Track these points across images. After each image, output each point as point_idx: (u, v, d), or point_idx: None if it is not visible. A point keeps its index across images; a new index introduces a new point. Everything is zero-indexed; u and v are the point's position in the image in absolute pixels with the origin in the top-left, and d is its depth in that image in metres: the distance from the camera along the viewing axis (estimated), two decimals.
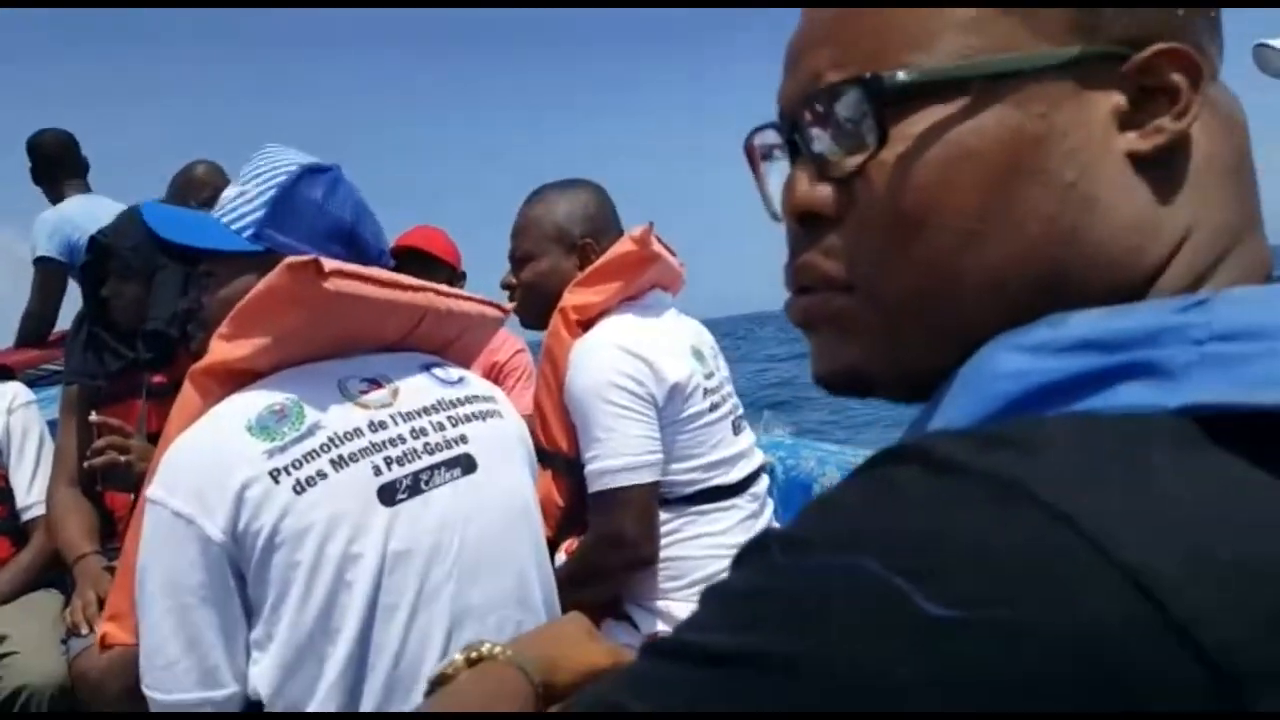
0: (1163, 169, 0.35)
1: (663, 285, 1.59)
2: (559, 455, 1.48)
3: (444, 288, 1.07)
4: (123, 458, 1.44)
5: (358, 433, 0.91)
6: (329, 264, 0.89)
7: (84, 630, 1.53)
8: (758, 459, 1.57)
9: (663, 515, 1.42)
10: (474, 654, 0.58)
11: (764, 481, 1.58)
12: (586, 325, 1.48)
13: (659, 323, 1.50)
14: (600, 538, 1.39)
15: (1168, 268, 0.35)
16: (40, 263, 2.99)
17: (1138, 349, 0.29)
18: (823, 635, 0.26)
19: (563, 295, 1.50)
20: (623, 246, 1.48)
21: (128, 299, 1.74)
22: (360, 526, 0.87)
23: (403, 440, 0.93)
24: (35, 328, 3.06)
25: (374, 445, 0.91)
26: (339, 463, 0.88)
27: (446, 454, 0.96)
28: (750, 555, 0.31)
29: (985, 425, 0.30)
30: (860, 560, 0.26)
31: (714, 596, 0.30)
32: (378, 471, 0.90)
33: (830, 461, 2.10)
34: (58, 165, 3.11)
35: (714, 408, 1.46)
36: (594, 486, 1.38)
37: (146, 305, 1.73)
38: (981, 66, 0.35)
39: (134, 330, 1.75)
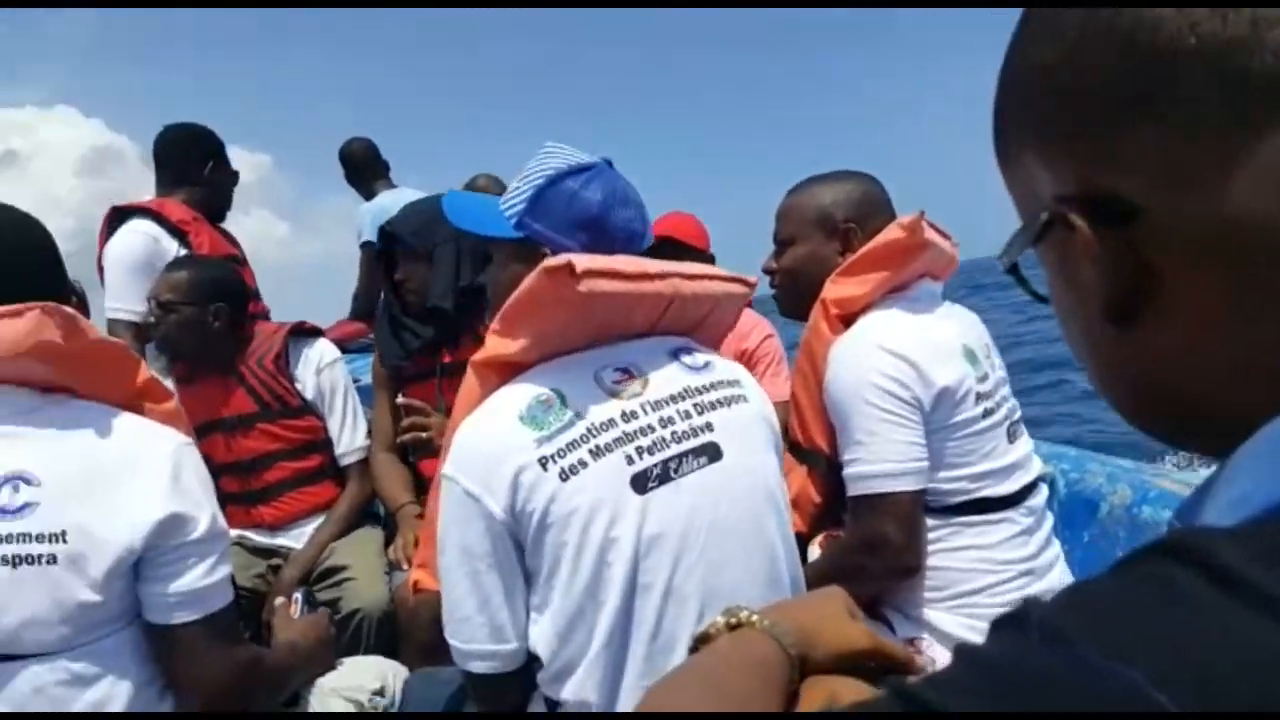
0: None
1: (933, 274, 1.49)
2: (817, 453, 1.44)
3: (691, 267, 1.09)
4: (424, 434, 1.68)
5: (611, 423, 0.97)
6: (580, 264, 0.94)
7: (404, 566, 1.79)
8: (1035, 469, 1.43)
9: (928, 523, 1.34)
10: (734, 619, 0.61)
11: (1042, 494, 1.44)
12: (848, 320, 1.41)
13: (928, 320, 1.39)
14: (862, 541, 1.33)
15: None
16: (364, 247, 3.53)
17: None
18: None
19: (824, 284, 1.44)
20: (890, 234, 1.38)
21: (416, 280, 1.93)
22: (617, 512, 0.93)
23: (652, 430, 0.98)
24: (361, 305, 3.61)
25: (626, 435, 0.96)
26: (597, 452, 0.95)
27: (693, 442, 0.99)
28: (1008, 629, 0.29)
29: None
30: (1127, 672, 0.25)
31: (971, 663, 0.29)
32: (630, 461, 0.95)
33: (1122, 479, 1.83)
34: (365, 168, 3.65)
35: (987, 414, 1.35)
36: (854, 490, 1.33)
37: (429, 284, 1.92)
38: None
39: (425, 310, 1.94)
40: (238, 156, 2.92)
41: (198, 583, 1.02)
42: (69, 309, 1.00)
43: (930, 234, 1.40)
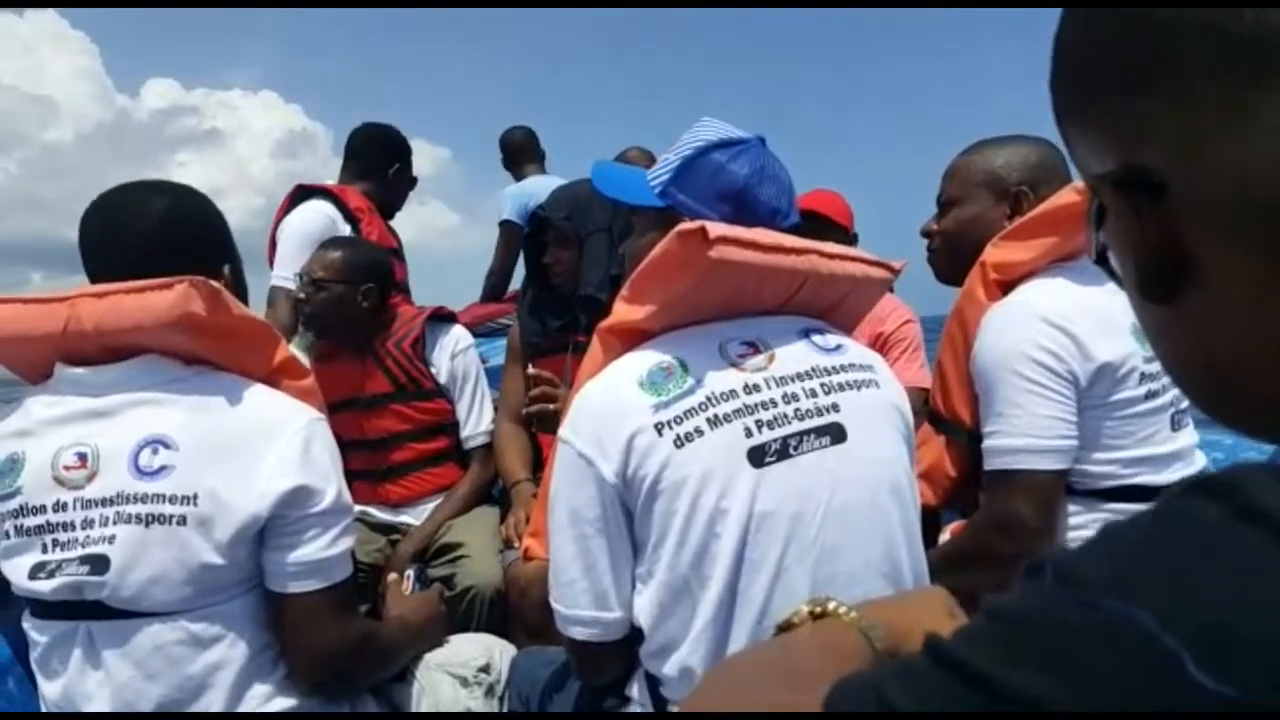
0: None
1: None
2: (957, 424, 1.36)
3: (831, 247, 1.05)
4: (551, 406, 1.66)
5: (733, 394, 0.94)
6: (714, 230, 0.93)
7: (516, 544, 1.79)
8: (1198, 463, 1.31)
9: (1070, 507, 1.25)
10: (818, 608, 0.58)
11: None
12: (1007, 288, 1.32)
13: (1095, 292, 1.26)
14: (992, 520, 1.25)
15: None
16: (503, 225, 3.63)
17: None
18: (1080, 687, 0.25)
19: (984, 247, 1.35)
20: (1064, 197, 1.28)
21: (565, 265, 1.94)
22: (730, 484, 0.91)
23: (774, 404, 0.95)
24: (496, 283, 3.71)
25: (747, 407, 0.94)
26: (714, 421, 0.93)
27: (817, 421, 0.96)
28: (1029, 576, 0.31)
29: None
30: (1133, 612, 0.25)
31: (990, 615, 0.31)
32: (749, 433, 0.93)
33: None
34: (521, 153, 3.76)
35: (1150, 395, 1.24)
36: (990, 464, 1.25)
37: (579, 271, 1.92)
38: None
39: (570, 294, 1.94)
40: (421, 149, 3.06)
41: (319, 554, 1.04)
42: (215, 284, 1.04)
43: None
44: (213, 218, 1.18)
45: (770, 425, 0.94)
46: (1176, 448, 1.28)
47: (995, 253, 1.33)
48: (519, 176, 3.75)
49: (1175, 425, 1.28)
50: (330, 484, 1.06)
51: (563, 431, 0.97)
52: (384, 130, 2.69)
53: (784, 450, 0.94)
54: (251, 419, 1.04)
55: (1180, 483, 0.28)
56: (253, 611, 1.06)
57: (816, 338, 1.04)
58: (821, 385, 0.99)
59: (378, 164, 2.63)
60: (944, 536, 1.37)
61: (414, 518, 2.07)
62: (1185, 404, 1.32)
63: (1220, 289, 0.34)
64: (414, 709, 1.27)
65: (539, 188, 3.19)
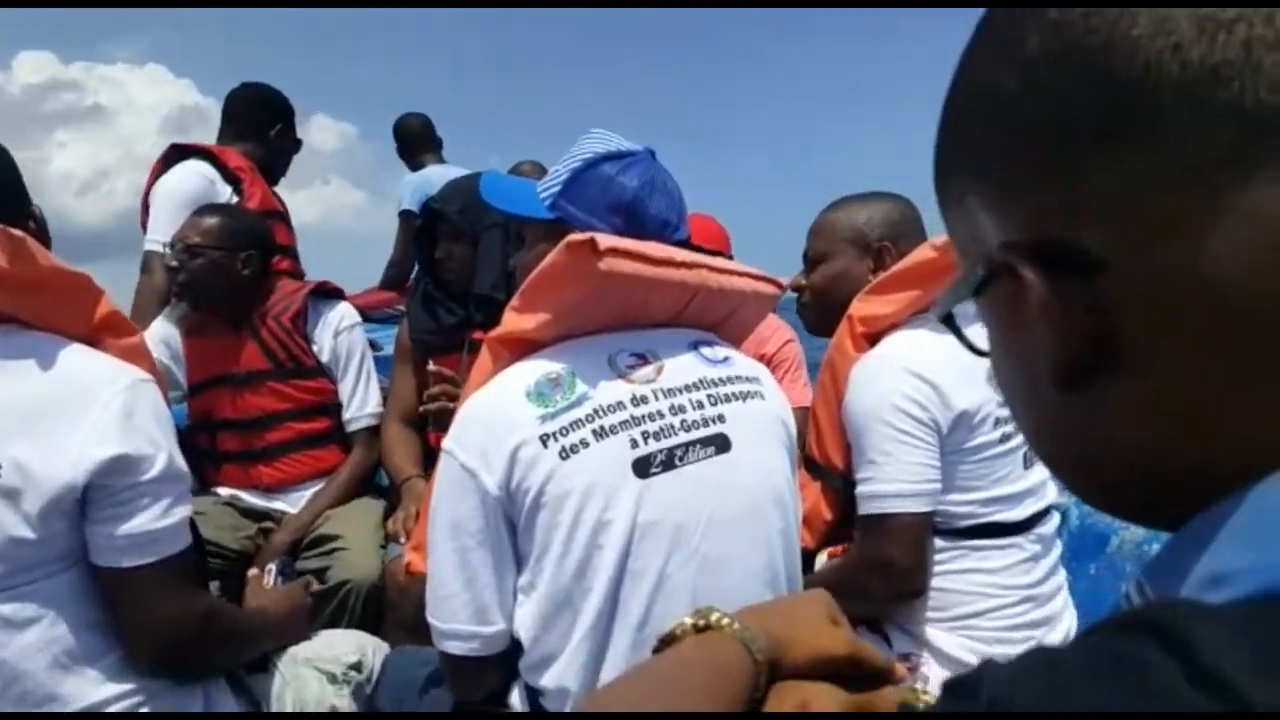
0: None
1: None
2: (832, 470, 1.43)
3: (721, 262, 1.07)
4: (451, 405, 1.59)
5: (620, 405, 0.95)
6: (604, 242, 0.93)
7: (402, 539, 1.75)
8: (1049, 497, 1.41)
9: (936, 544, 1.34)
10: (702, 621, 0.59)
11: (1053, 522, 1.42)
12: (873, 339, 1.40)
13: (954, 341, 1.36)
14: (866, 562, 1.33)
15: None
16: (403, 215, 3.51)
17: None
18: None
19: (850, 301, 1.43)
20: (923, 254, 1.37)
21: (457, 260, 1.88)
22: (614, 495, 0.91)
23: (661, 416, 0.96)
24: (396, 274, 3.60)
25: (634, 419, 0.95)
26: (600, 433, 0.93)
27: (702, 432, 0.97)
28: (958, 695, 0.28)
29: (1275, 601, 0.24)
30: None
31: None
32: (634, 445, 0.93)
33: None
34: (417, 141, 3.64)
35: (1005, 439, 1.34)
36: (864, 509, 1.32)
37: (473, 267, 1.87)
38: None
39: (463, 290, 1.89)
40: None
41: (151, 524, 0.98)
42: (19, 232, 0.94)
43: None
44: (7, 166, 1.08)
45: (656, 436, 0.95)
46: (1029, 485, 1.37)
47: (861, 306, 1.40)
48: (415, 166, 3.64)
49: (1027, 464, 1.38)
50: (159, 450, 0.99)
51: (446, 443, 0.96)
52: (262, 90, 2.54)
53: (669, 461, 0.95)
54: (63, 382, 0.95)
55: (1127, 615, 0.26)
56: (77, 589, 0.97)
57: (705, 350, 1.05)
58: (708, 397, 1.00)
59: (257, 124, 2.49)
60: (822, 560, 1.43)
61: (289, 504, 1.98)
62: None
63: (1150, 379, 0.31)
64: (276, 704, 1.23)
65: (440, 178, 3.11)
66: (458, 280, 1.90)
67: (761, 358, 2.16)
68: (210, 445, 1.98)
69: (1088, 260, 0.31)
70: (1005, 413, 1.34)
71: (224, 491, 1.97)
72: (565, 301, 0.97)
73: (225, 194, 2.31)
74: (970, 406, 1.30)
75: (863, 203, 1.50)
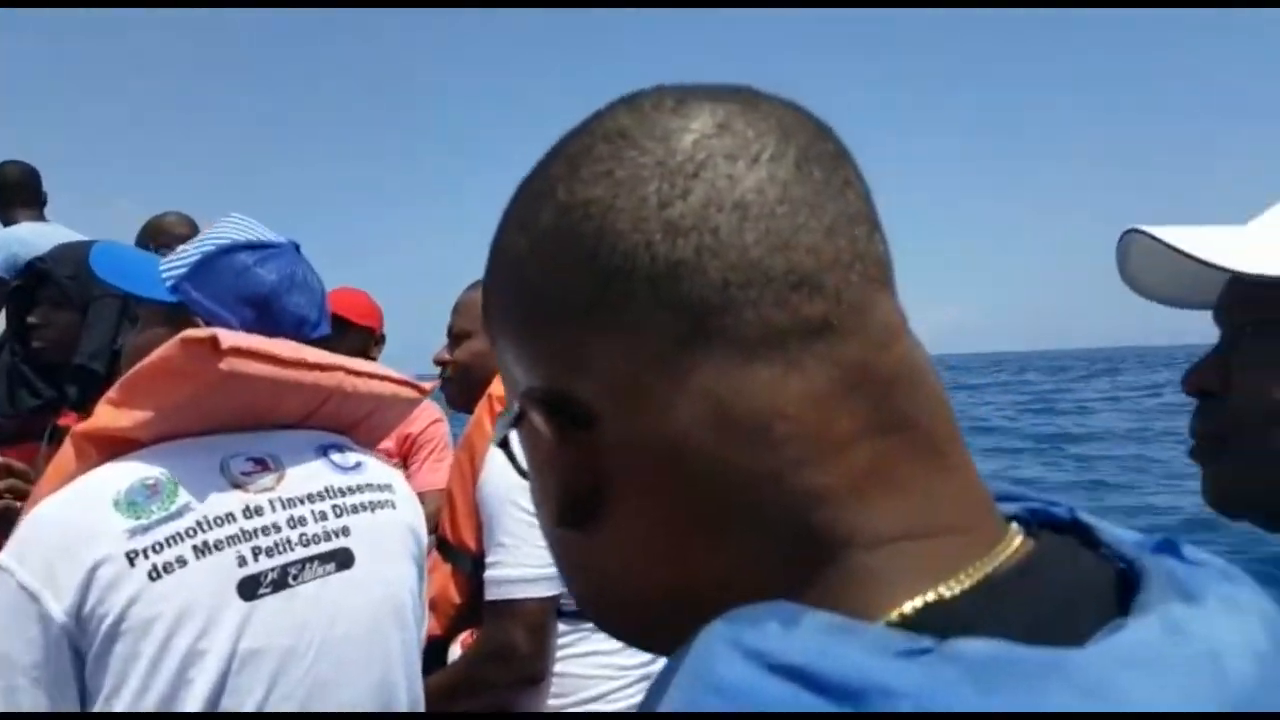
0: None
1: None
2: (464, 552, 1.43)
3: (359, 364, 1.05)
4: (18, 504, 1.33)
5: (230, 518, 0.88)
6: (227, 340, 0.87)
7: None
8: None
9: (560, 627, 1.38)
10: None
11: None
12: None
13: None
14: (489, 650, 1.33)
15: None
16: None
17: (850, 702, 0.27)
18: None
19: (493, 380, 1.45)
20: None
21: (59, 328, 1.69)
22: (211, 620, 0.84)
23: (277, 529, 0.91)
24: None
25: (245, 533, 0.88)
26: (203, 549, 0.85)
27: (323, 547, 0.93)
28: None
29: None
30: None
31: None
32: (243, 562, 0.87)
33: None
34: (13, 193, 3.11)
35: None
36: (490, 595, 1.33)
37: (77, 338, 1.68)
38: None
39: (59, 364, 1.69)
40: None
41: None
42: None
43: None
44: None
45: (269, 553, 0.89)
46: None
47: (501, 386, 1.45)
48: (7, 220, 3.10)
49: None
50: None
51: (3, 558, 0.82)
52: None
53: (282, 580, 0.89)
54: None
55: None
56: None
57: (335, 455, 1.02)
58: (334, 508, 0.97)
59: None
60: (454, 651, 1.42)
61: None
62: None
63: (631, 529, 0.36)
64: None
65: (35, 236, 2.67)
66: (51, 352, 1.69)
67: (406, 438, 2.13)
68: None
69: (586, 414, 0.35)
70: None
71: None
72: (174, 399, 0.89)
73: None
74: None
75: None
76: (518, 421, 0.38)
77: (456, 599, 1.44)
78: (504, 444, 0.41)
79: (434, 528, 1.60)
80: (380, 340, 2.26)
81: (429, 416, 2.21)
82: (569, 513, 0.36)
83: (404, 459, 2.14)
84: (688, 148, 0.34)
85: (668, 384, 0.33)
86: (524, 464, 0.41)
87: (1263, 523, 0.66)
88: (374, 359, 2.25)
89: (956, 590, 0.31)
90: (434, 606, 1.39)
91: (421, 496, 1.95)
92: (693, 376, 0.33)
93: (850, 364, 0.33)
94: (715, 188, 0.34)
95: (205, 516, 0.87)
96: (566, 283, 0.35)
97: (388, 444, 2.01)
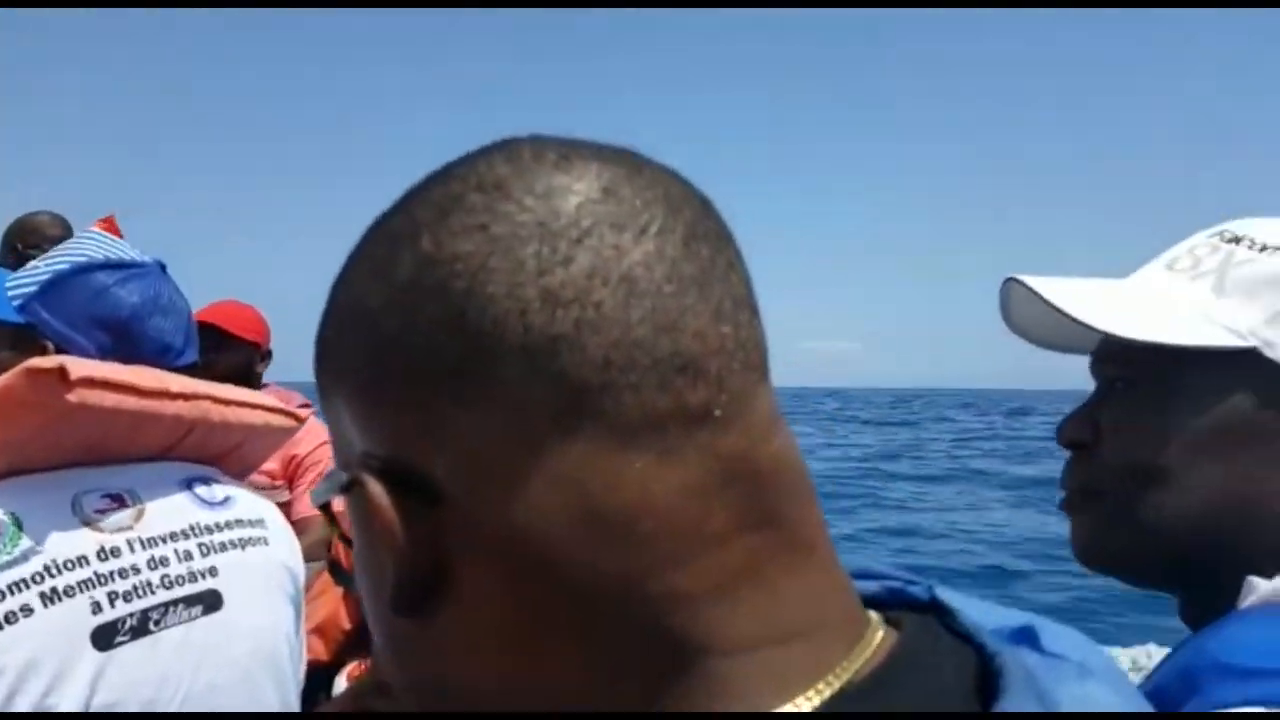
0: None
1: None
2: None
3: (228, 391, 0.98)
4: None
5: (82, 561, 0.82)
6: (77, 370, 0.81)
7: None
8: None
9: None
10: None
11: None
12: None
13: None
14: (380, 682, 1.30)
15: None
16: None
17: None
18: None
19: None
20: None
21: None
22: (62, 673, 0.78)
23: (136, 571, 0.84)
24: None
25: (99, 577, 0.82)
26: (51, 597, 0.79)
27: (188, 589, 0.87)
28: None
29: None
30: None
31: None
32: (97, 609, 0.81)
33: None
34: None
35: None
36: None
37: None
38: None
39: None
40: None
41: None
42: None
43: None
44: None
45: (127, 597, 0.83)
46: None
47: None
48: None
49: None
50: None
51: None
52: None
53: (142, 627, 0.83)
54: None
55: None
56: None
57: (201, 489, 0.96)
58: (200, 546, 0.91)
59: None
60: (340, 682, 1.38)
61: None
62: None
63: (473, 620, 0.32)
64: None
65: None
66: None
67: (291, 460, 2.03)
68: None
69: (434, 490, 0.31)
70: None
71: None
72: (17, 433, 0.82)
73: None
74: None
75: None
76: (347, 489, 0.34)
77: (346, 624, 1.40)
78: (325, 508, 0.37)
79: (325, 551, 1.54)
80: (266, 356, 2.15)
81: (317, 438, 2.10)
82: (402, 596, 0.32)
83: (289, 481, 2.04)
84: (571, 211, 0.31)
85: (530, 467, 0.30)
86: (349, 531, 0.36)
87: (1125, 578, 0.66)
88: (259, 374, 2.15)
89: (816, 701, 0.30)
90: (322, 632, 1.35)
91: (308, 521, 1.87)
92: (559, 461, 0.30)
93: (729, 455, 0.31)
94: (601, 258, 0.31)
95: (54, 560, 0.80)
96: (427, 345, 0.31)
97: (272, 465, 1.92)
